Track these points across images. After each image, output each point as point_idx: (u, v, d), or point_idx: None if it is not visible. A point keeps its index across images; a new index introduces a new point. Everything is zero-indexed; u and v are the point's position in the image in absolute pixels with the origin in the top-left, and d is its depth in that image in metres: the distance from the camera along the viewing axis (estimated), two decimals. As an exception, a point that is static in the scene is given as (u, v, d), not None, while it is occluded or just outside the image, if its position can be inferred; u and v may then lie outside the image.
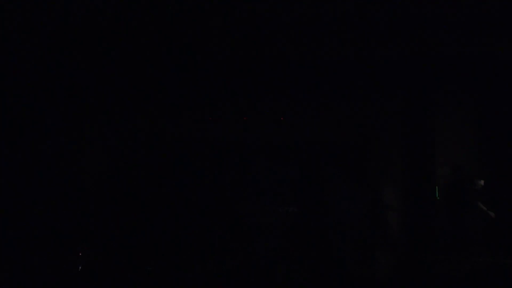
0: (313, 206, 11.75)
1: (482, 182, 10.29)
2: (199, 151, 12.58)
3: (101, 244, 10.14)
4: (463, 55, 9.86)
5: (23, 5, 8.72)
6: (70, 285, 7.53)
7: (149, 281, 8.22)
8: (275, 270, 8.76)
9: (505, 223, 10.21)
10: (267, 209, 11.91)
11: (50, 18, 9.05)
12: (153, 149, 12.43)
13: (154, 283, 8.12)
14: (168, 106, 12.14)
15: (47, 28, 9.32)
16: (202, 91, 11.62)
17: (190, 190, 12.26)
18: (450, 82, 10.87)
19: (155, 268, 9.25)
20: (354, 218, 11.10)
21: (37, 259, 8.87)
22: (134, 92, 11.66)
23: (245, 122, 12.17)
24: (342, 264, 9.49)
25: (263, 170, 12.43)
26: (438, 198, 10.77)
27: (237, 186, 12.28)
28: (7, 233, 9.45)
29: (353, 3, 9.09)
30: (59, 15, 9.00)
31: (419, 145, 11.11)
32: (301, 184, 12.24)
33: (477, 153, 11.06)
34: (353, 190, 11.90)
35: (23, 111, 10.45)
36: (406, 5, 9.12)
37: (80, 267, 8.42)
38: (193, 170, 12.49)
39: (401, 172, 11.13)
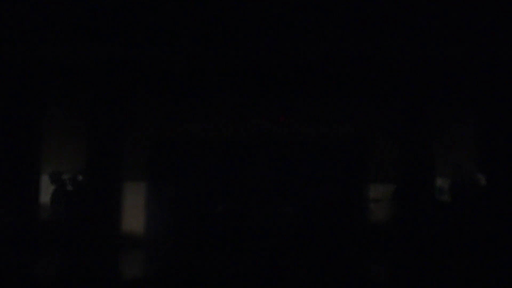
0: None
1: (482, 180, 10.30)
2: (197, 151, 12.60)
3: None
4: (463, 55, 9.86)
5: None
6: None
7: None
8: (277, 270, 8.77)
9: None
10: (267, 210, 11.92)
11: None
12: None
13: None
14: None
15: None
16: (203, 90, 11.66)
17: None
18: (450, 83, 10.89)
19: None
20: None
21: None
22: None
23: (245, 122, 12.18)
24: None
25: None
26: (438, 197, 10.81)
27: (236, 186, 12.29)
28: None
29: (354, 3, 9.10)
30: None
31: (419, 146, 11.13)
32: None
33: (477, 153, 11.05)
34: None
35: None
36: (408, 5, 9.14)
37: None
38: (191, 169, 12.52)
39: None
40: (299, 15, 9.25)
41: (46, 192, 10.87)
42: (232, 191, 12.22)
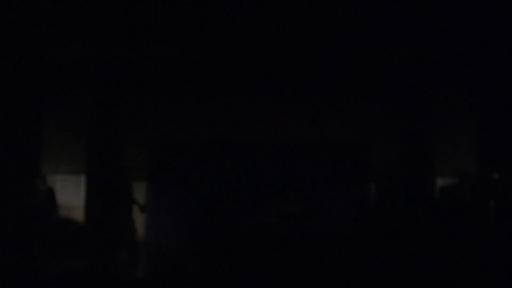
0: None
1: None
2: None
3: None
4: (462, 55, 9.86)
5: None
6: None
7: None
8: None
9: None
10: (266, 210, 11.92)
11: None
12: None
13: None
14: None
15: None
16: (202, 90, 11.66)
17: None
18: (450, 83, 10.89)
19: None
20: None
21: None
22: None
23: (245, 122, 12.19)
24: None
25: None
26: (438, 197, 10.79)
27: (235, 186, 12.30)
28: None
29: (353, 3, 9.11)
30: None
31: (418, 145, 11.13)
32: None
33: (477, 154, 11.04)
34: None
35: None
36: (406, 5, 9.14)
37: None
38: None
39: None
40: (300, 14, 9.26)
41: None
42: (232, 191, 12.23)
